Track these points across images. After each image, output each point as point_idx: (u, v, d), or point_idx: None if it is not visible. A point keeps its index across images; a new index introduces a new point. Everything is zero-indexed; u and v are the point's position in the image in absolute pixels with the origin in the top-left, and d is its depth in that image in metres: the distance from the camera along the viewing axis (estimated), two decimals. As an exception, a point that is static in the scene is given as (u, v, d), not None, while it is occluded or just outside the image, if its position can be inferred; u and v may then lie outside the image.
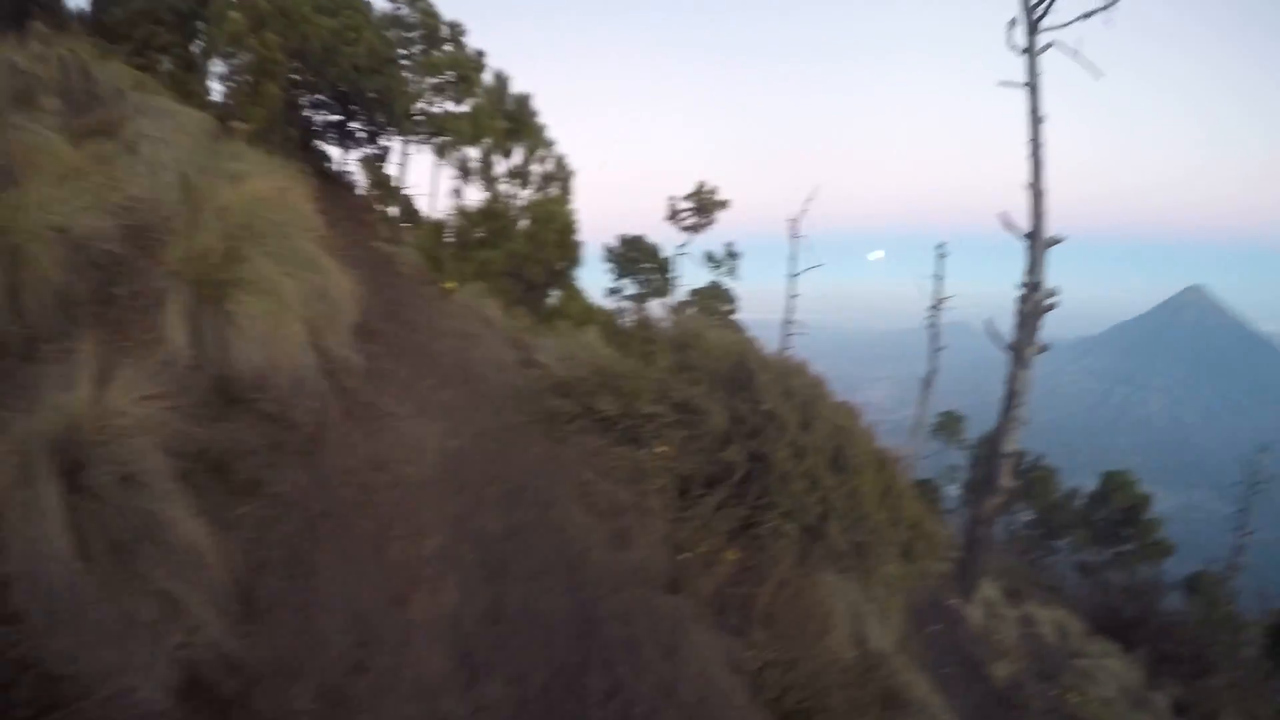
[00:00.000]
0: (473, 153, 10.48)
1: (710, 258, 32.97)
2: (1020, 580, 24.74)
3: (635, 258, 31.08)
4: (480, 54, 21.81)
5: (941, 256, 23.73)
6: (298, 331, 4.56)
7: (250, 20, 8.42)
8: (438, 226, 10.26)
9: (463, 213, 10.07)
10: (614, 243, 31.12)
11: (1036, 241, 11.78)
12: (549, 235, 9.72)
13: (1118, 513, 40.31)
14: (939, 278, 23.70)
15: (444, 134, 10.74)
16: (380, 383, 5.57)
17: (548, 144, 10.64)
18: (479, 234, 9.80)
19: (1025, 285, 11.93)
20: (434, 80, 21.53)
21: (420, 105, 20.64)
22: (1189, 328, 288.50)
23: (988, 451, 12.95)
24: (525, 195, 10.36)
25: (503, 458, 5.63)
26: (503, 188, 10.31)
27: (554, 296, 10.33)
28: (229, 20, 8.38)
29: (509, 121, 10.61)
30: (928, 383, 25.54)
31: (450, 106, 10.98)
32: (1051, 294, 11.90)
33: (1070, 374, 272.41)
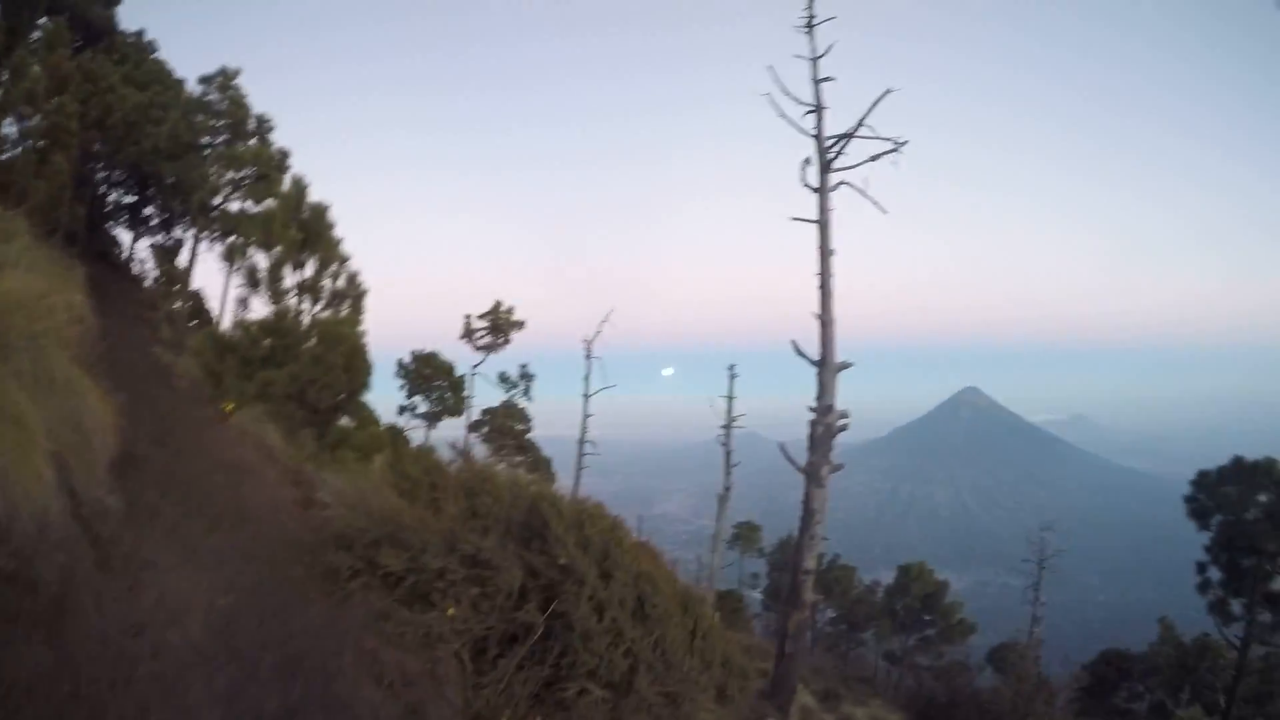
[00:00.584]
0: (262, 260, 9.75)
1: (504, 378, 32.62)
2: (833, 681, 25.12)
3: (428, 374, 30.26)
4: (284, 154, 20.74)
5: (733, 376, 25.05)
6: (44, 469, 3.80)
7: (52, 81, 7.42)
8: (221, 337, 9.39)
9: (247, 326, 9.26)
10: (407, 358, 30.33)
11: (826, 367, 12.35)
12: (336, 358, 9.02)
13: (917, 601, 42.30)
14: (731, 397, 24.82)
15: (237, 235, 10.00)
16: (143, 526, 4.83)
17: (342, 258, 10.04)
18: (263, 350, 8.99)
19: (817, 409, 12.40)
20: (234, 175, 20.32)
21: (218, 199, 19.40)
22: (966, 424, 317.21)
23: (790, 568, 13.12)
24: (314, 312, 9.67)
25: (280, 619, 4.92)
26: (291, 301, 9.59)
27: (340, 422, 9.57)
28: (29, 76, 7.31)
29: (303, 231, 9.99)
30: (724, 498, 26.38)
31: (248, 206, 10.26)
32: (843, 415, 12.45)
33: (859, 475, 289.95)
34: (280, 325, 8.99)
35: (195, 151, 19.24)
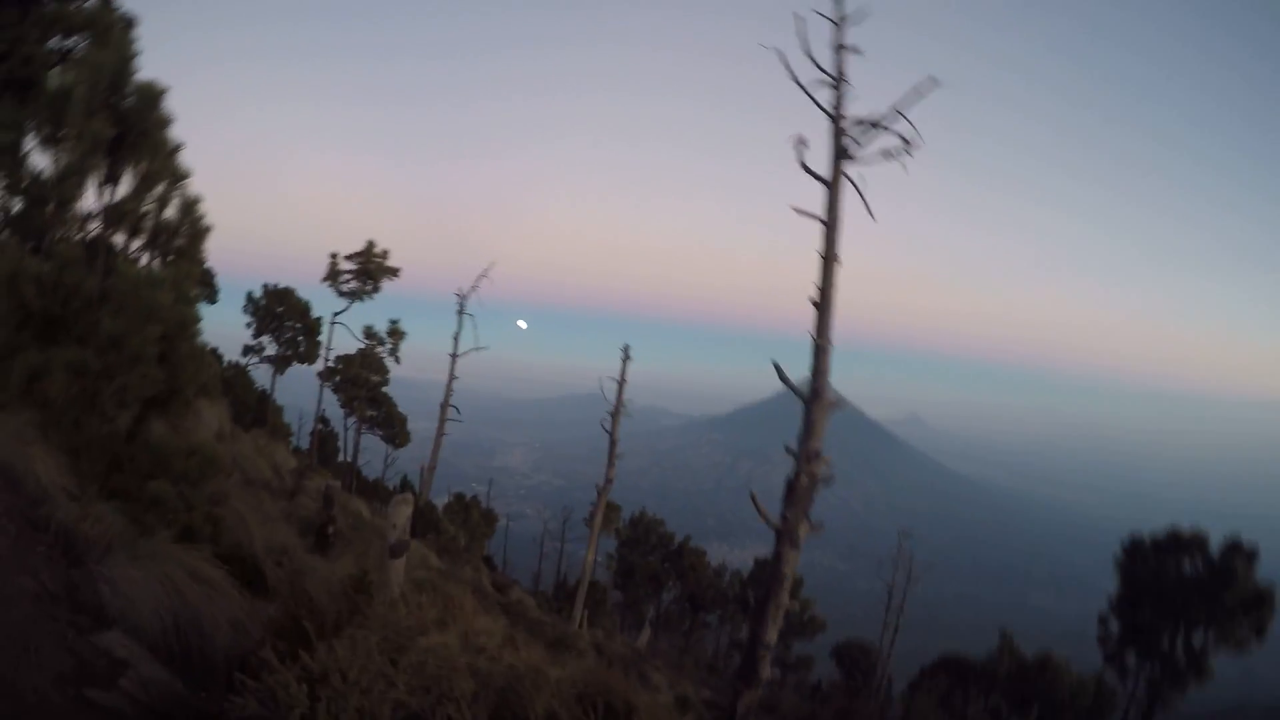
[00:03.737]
0: (46, 164, 6.07)
1: (371, 334, 28.89)
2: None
3: (280, 313, 26.08)
4: (129, 21, 16.20)
5: (626, 359, 22.52)
6: None
7: None
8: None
9: (8, 275, 5.51)
10: (257, 291, 26.01)
11: (817, 402, 9.72)
12: (149, 337, 5.48)
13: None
14: (622, 381, 22.46)
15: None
16: None
17: (176, 174, 6.42)
18: (31, 319, 5.40)
19: (799, 454, 9.80)
20: (61, 42, 15.57)
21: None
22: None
23: (747, 645, 10.42)
24: (127, 257, 6.08)
25: None
26: (83, 237, 5.99)
27: (154, 443, 5.90)
28: None
29: (119, 124, 6.28)
30: (604, 491, 24.21)
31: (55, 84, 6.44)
32: (827, 462, 9.89)
33: (700, 448, 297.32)
34: (63, 278, 5.36)
35: (12, 7, 14.55)
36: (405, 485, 28.47)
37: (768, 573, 10.13)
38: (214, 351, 23.28)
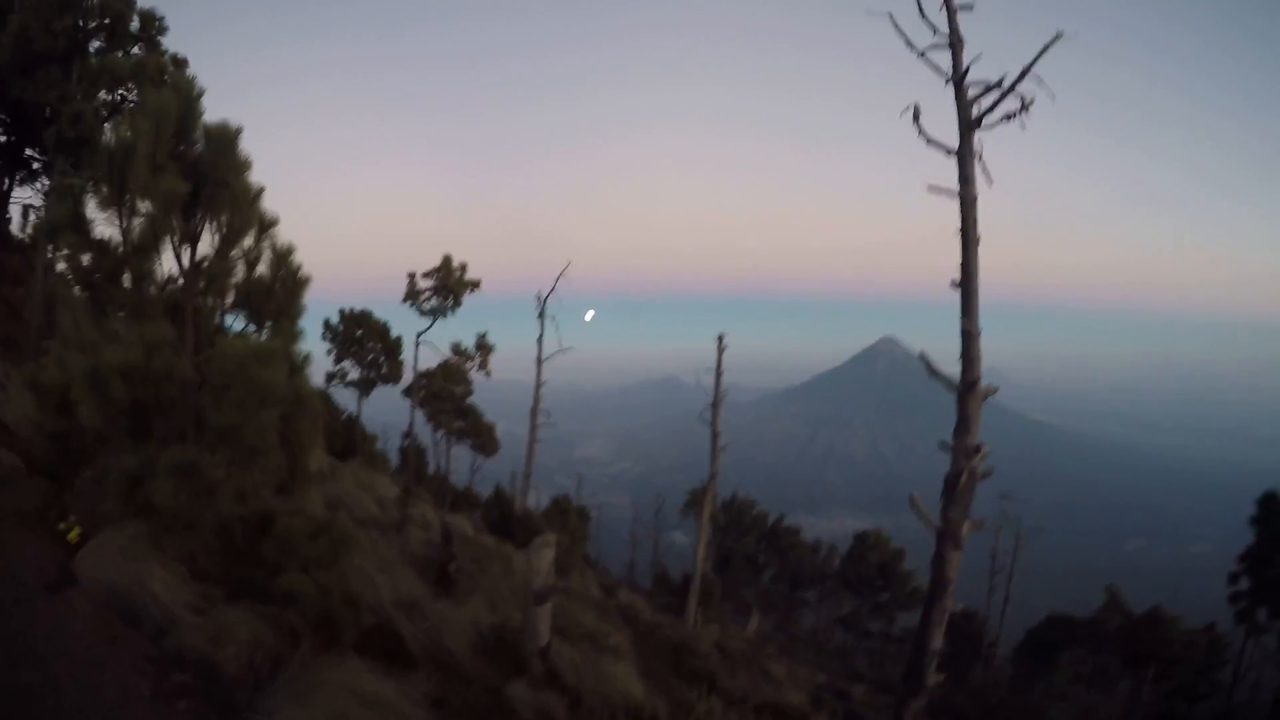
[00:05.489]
0: (113, 229, 5.41)
1: (458, 351, 28.53)
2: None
3: (360, 336, 25.81)
4: (179, 62, 15.65)
5: (722, 349, 21.43)
6: None
7: None
8: (44, 382, 5.11)
9: (95, 363, 4.82)
10: (332, 315, 25.83)
11: (971, 394, 8.71)
12: (264, 429, 4.73)
13: (873, 568, 41.28)
14: (720, 373, 21.47)
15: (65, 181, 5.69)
16: None
17: (264, 224, 5.74)
18: (125, 413, 4.76)
19: (955, 449, 8.82)
20: (108, 95, 15.16)
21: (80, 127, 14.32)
22: (883, 374, 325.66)
23: (912, 651, 9.59)
24: (234, 334, 5.42)
25: None
26: (167, 305, 5.33)
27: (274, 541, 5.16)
28: None
29: (194, 175, 5.59)
30: (709, 487, 23.38)
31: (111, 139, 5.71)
32: (986, 456, 8.89)
33: (779, 420, 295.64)
34: (152, 365, 4.67)
35: (55, 64, 14.25)
36: (498, 493, 28.11)
37: (930, 577, 9.23)
38: (326, 395, 23.15)
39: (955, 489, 8.82)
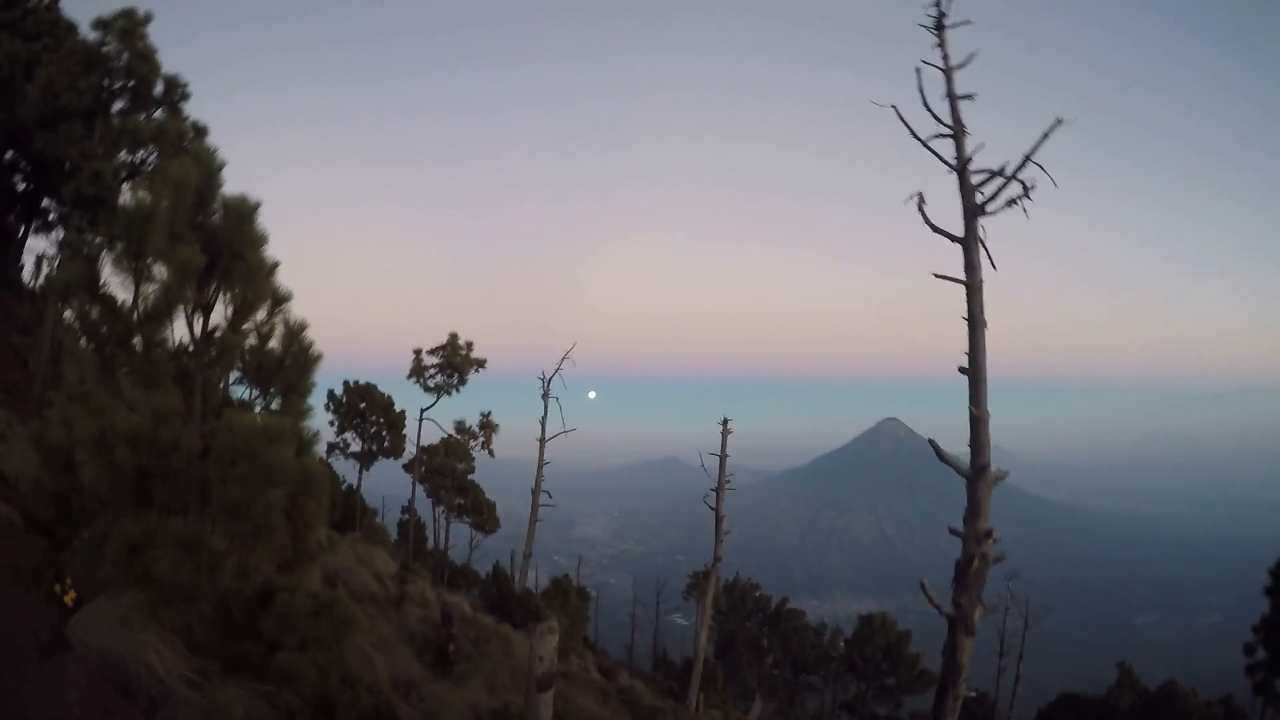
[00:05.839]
0: (126, 293, 5.43)
1: (462, 429, 28.54)
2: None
3: (363, 409, 25.86)
4: (200, 130, 15.96)
5: (726, 432, 21.34)
6: None
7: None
8: (51, 442, 5.08)
9: (100, 430, 4.78)
10: (335, 386, 26.00)
11: (982, 479, 8.62)
12: (271, 509, 4.65)
13: (879, 651, 40.42)
14: (724, 455, 21.32)
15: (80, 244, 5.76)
16: None
17: (278, 299, 5.78)
18: (128, 478, 4.71)
19: (966, 535, 8.69)
20: (128, 156, 15.47)
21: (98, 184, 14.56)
22: (886, 454, 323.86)
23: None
24: (243, 408, 5.39)
25: None
26: (177, 374, 5.31)
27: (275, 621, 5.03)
28: None
29: (210, 245, 5.64)
30: (713, 570, 22.95)
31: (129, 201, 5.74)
32: (997, 541, 8.75)
33: (781, 502, 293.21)
34: (159, 434, 4.64)
35: (78, 120, 14.54)
36: (497, 571, 27.67)
37: (943, 663, 8.97)
38: (327, 465, 23.01)
39: (967, 575, 8.64)
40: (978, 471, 8.63)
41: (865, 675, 41.33)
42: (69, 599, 4.48)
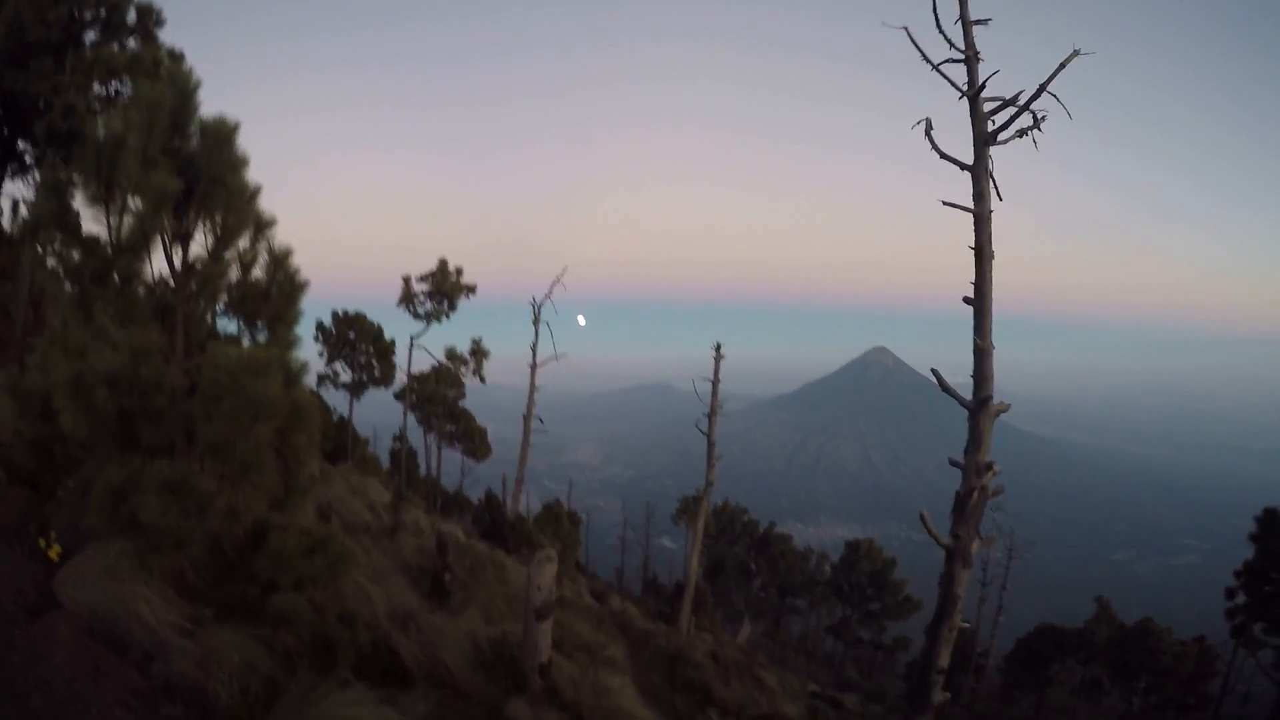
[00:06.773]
0: (100, 228, 5.12)
1: (453, 356, 28.28)
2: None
3: (353, 339, 25.57)
4: (175, 57, 15.36)
5: (719, 358, 21.18)
6: None
7: None
8: (23, 388, 4.85)
9: (78, 371, 4.53)
10: (324, 316, 25.66)
11: (984, 411, 8.53)
12: (259, 444, 4.48)
13: (864, 576, 41.34)
14: (716, 381, 21.18)
15: (49, 177, 5.39)
16: None
17: (260, 224, 5.47)
18: (109, 422, 4.49)
19: (965, 466, 8.65)
20: (101, 89, 14.88)
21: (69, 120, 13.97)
22: (875, 382, 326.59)
23: (918, 668, 9.40)
24: (227, 341, 5.14)
25: None
26: (156, 308, 5.05)
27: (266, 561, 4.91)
28: None
29: (187, 170, 5.30)
30: (705, 495, 23.04)
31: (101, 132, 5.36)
32: (997, 474, 8.72)
33: (769, 427, 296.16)
34: (140, 372, 4.42)
35: (49, 55, 13.93)
36: (490, 498, 27.84)
37: (939, 593, 9.03)
38: (318, 397, 22.84)
39: (966, 507, 8.64)
40: (980, 404, 8.54)
41: (850, 600, 42.32)
42: (54, 553, 4.33)
